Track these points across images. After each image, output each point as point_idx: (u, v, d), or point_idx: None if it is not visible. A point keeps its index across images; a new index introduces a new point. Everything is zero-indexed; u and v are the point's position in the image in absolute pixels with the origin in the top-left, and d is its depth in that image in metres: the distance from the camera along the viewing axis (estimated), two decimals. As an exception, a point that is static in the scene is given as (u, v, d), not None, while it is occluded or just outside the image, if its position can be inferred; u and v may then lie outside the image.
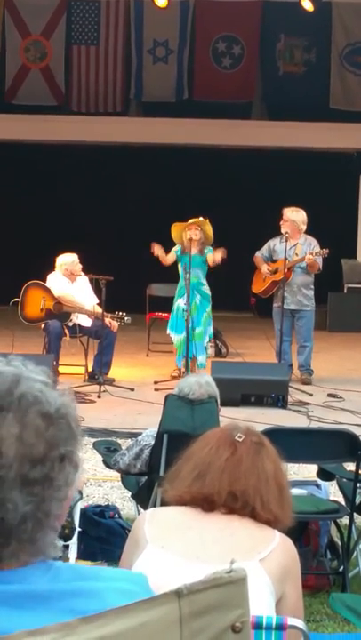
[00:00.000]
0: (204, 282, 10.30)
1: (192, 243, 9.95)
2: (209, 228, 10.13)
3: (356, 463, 4.85)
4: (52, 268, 10.30)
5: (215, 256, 10.14)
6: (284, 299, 10.10)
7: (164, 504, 2.69)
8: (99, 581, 1.36)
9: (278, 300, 10.18)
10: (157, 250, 10.30)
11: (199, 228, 10.07)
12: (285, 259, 9.98)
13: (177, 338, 10.16)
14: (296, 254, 10.15)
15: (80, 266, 10.22)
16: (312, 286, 10.36)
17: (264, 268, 10.34)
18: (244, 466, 2.54)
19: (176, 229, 10.18)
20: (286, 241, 10.05)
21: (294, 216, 10.17)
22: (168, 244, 10.36)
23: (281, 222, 10.19)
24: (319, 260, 10.11)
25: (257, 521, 2.51)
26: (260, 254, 10.48)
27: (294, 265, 10.14)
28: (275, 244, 10.36)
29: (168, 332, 10.38)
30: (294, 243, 10.18)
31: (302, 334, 10.35)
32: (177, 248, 10.27)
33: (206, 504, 2.51)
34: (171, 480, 2.64)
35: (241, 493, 2.50)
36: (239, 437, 2.59)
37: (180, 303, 10.20)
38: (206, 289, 10.31)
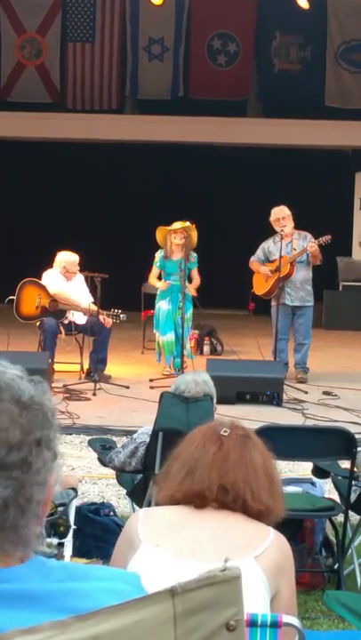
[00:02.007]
0: (187, 283, 10.26)
1: (178, 247, 9.97)
2: (194, 234, 10.11)
3: (351, 461, 4.85)
4: (47, 265, 10.29)
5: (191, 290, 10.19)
6: (287, 295, 10.12)
7: (157, 503, 2.69)
8: (91, 581, 1.37)
9: (277, 299, 10.17)
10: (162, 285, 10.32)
11: (185, 233, 10.03)
12: (281, 256, 9.97)
13: (162, 339, 10.19)
14: (294, 249, 10.15)
15: (78, 267, 10.22)
16: (311, 282, 10.38)
17: (263, 269, 10.31)
18: (232, 459, 2.54)
19: (161, 233, 10.16)
20: (282, 239, 10.04)
21: (288, 211, 10.19)
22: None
23: (280, 221, 10.11)
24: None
25: (249, 513, 2.51)
26: (255, 258, 10.46)
27: (295, 259, 10.13)
28: (268, 245, 10.35)
29: (154, 331, 10.40)
30: (289, 240, 10.17)
31: (301, 332, 10.35)
32: (158, 259, 10.22)
33: (198, 500, 2.52)
34: (161, 481, 2.65)
35: (231, 486, 2.51)
36: (225, 432, 2.60)
37: (161, 305, 10.23)
38: (188, 291, 10.22)
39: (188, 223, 10.10)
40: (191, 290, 10.11)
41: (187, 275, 10.03)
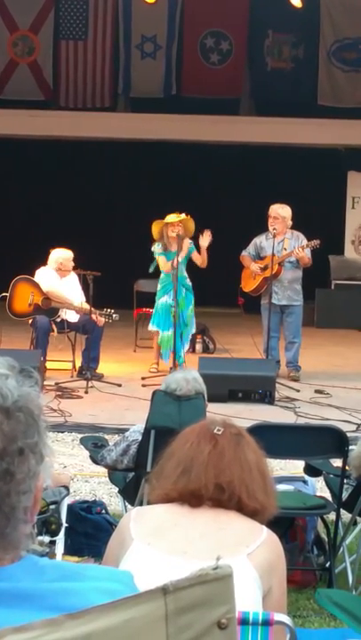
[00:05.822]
0: (186, 274, 10.26)
1: (174, 239, 9.91)
2: (191, 224, 10.08)
3: (342, 459, 4.86)
4: (40, 262, 10.27)
5: (202, 244, 10.10)
6: (274, 294, 10.12)
7: (151, 502, 2.69)
8: (83, 581, 1.36)
9: (267, 297, 10.18)
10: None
11: (181, 225, 10.01)
12: (273, 254, 9.98)
13: (165, 334, 10.11)
14: (285, 249, 10.16)
15: (72, 264, 10.21)
16: (301, 281, 10.39)
17: (254, 266, 10.31)
18: (227, 457, 2.55)
19: (157, 226, 10.10)
20: (274, 237, 10.05)
21: (284, 212, 10.18)
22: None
23: (270, 220, 10.15)
24: (308, 253, 10.14)
25: (244, 512, 2.52)
26: (246, 253, 10.47)
27: (284, 260, 10.14)
28: (261, 241, 10.36)
29: (152, 327, 10.30)
30: (282, 238, 10.18)
31: (291, 330, 10.36)
32: (156, 247, 10.16)
33: (194, 499, 2.52)
34: (155, 479, 2.65)
35: (227, 485, 2.52)
36: (218, 430, 2.60)
37: (165, 300, 10.15)
38: (189, 282, 10.26)
39: (183, 215, 10.05)
40: (204, 244, 10.06)
41: (186, 262, 10.04)
